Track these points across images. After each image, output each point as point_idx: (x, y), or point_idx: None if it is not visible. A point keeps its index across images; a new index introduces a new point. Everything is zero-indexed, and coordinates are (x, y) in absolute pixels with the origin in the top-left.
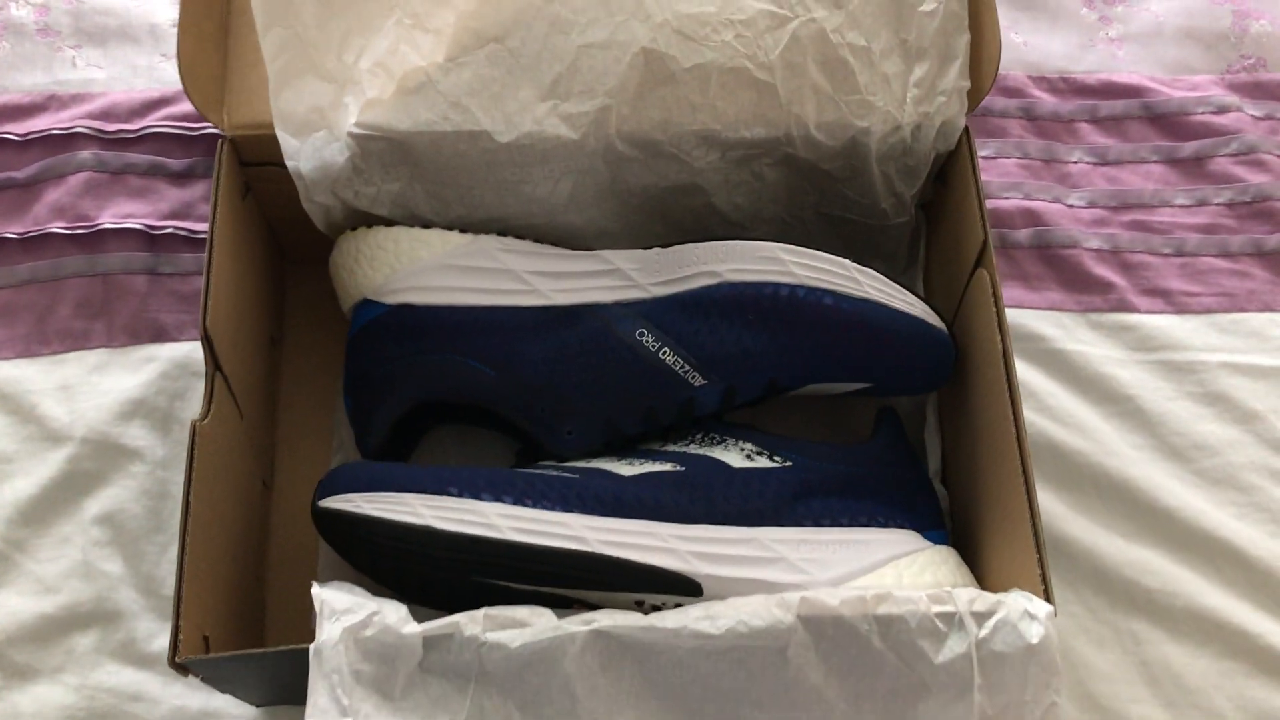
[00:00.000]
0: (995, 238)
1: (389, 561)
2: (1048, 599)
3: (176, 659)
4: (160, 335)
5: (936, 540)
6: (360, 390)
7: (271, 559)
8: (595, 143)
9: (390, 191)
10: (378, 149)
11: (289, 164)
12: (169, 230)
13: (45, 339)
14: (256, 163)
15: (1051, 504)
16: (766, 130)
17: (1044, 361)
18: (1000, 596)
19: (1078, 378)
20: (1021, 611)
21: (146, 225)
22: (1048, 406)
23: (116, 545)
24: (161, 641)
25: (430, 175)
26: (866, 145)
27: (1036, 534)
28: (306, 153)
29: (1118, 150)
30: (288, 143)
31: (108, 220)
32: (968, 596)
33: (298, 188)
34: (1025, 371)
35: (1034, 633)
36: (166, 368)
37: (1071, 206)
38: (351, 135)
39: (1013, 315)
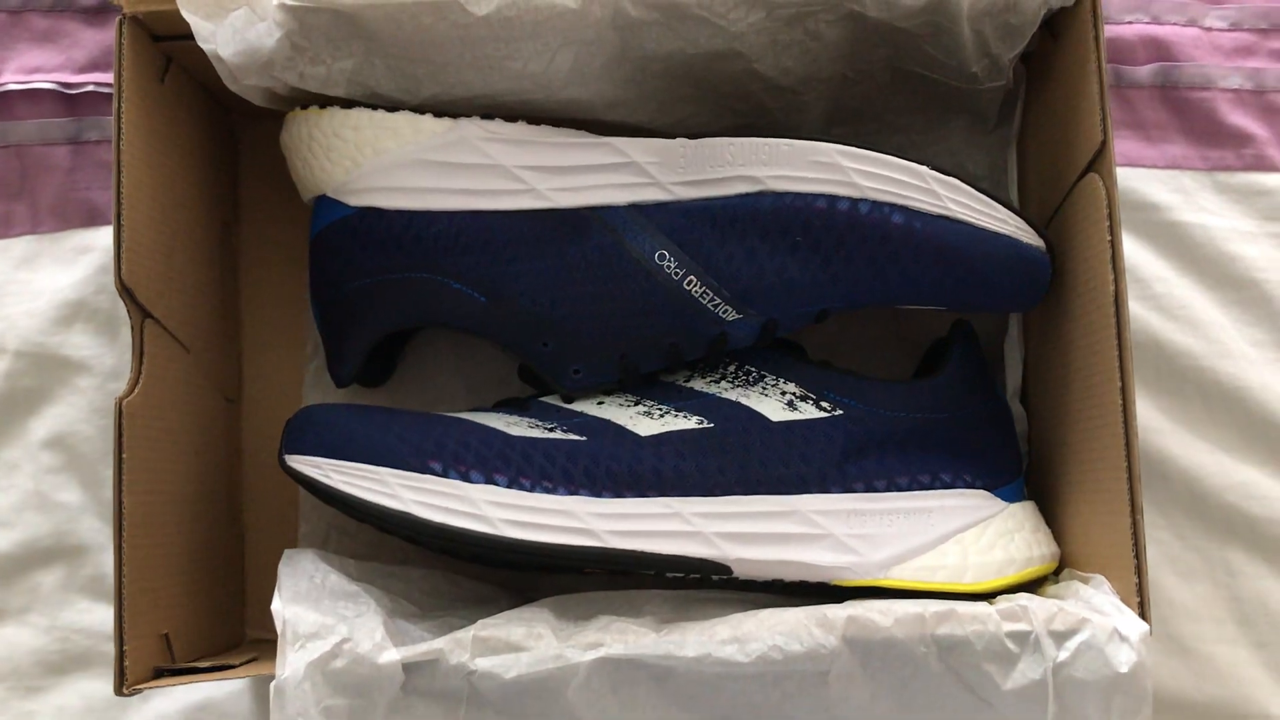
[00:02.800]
0: (1109, 75)
1: (371, 523)
2: (1142, 607)
3: (125, 689)
4: (94, 218)
5: (1011, 497)
6: (327, 308)
7: (248, 476)
8: (600, 9)
9: (344, 69)
10: (320, 23)
11: (204, 48)
12: (89, 88)
13: None
14: (176, 36)
15: (1149, 414)
16: None
17: (1155, 236)
18: (1085, 612)
19: (1194, 256)
20: (1110, 632)
21: (60, 84)
22: (1154, 294)
23: (71, 471)
24: None
25: (391, 50)
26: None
27: (1134, 515)
28: (225, 36)
29: None
30: (199, 25)
31: (12, 78)
32: (1046, 612)
33: (219, 72)
34: (1131, 249)
35: (1123, 659)
36: (104, 259)
37: (1209, 29)
38: (283, 8)
39: (1123, 176)
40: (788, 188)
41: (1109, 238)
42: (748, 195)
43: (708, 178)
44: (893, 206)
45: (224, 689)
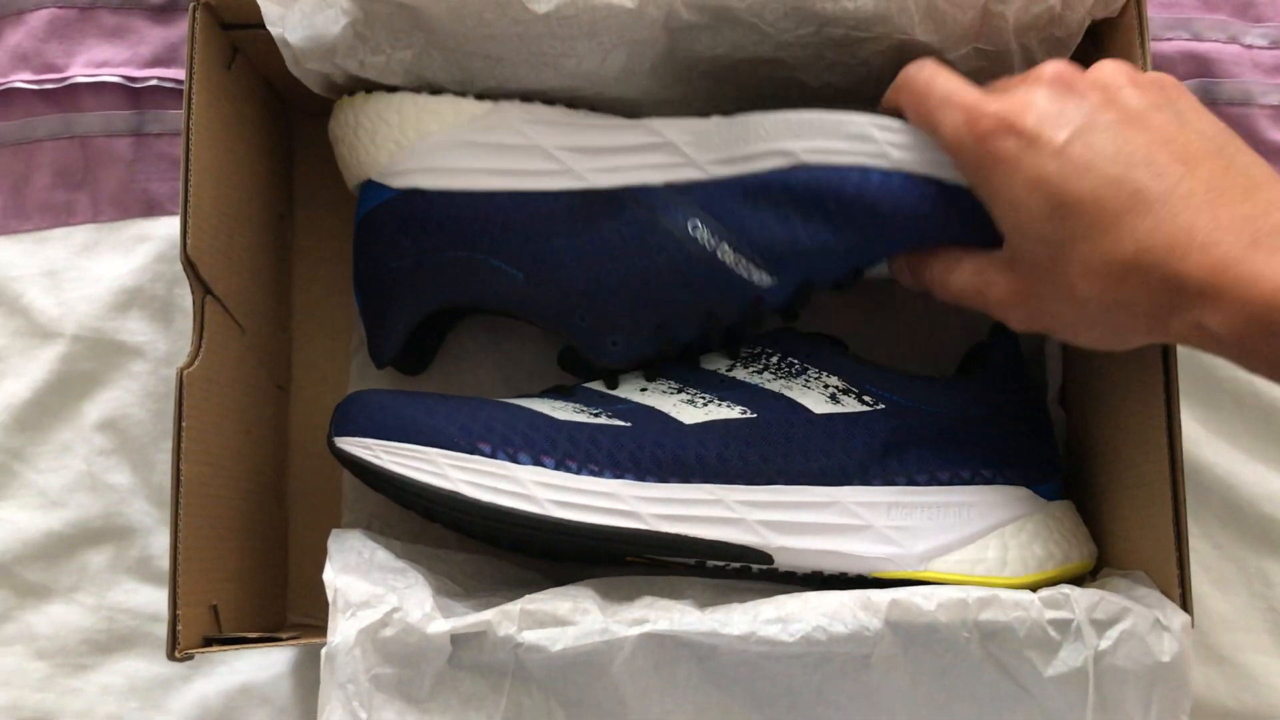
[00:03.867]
0: None
1: (417, 507)
2: (1183, 599)
3: (177, 652)
4: (152, 208)
5: (1050, 495)
6: (369, 290)
7: (293, 464)
8: (655, 10)
9: (402, 60)
10: (384, 13)
11: (272, 31)
12: (153, 83)
13: (24, 213)
14: (243, 25)
15: (1185, 424)
16: (876, 4)
17: None
18: (1127, 601)
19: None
20: (1152, 622)
21: (126, 77)
22: None
23: (122, 454)
24: None
25: (450, 43)
26: (1003, 14)
27: (1177, 506)
28: (294, 21)
29: None
30: (269, 9)
31: (80, 71)
32: (1088, 601)
33: (284, 56)
34: None
35: (1166, 648)
36: (162, 248)
37: (1249, 47)
38: None
39: None
40: (820, 159)
41: None
42: (780, 170)
43: (742, 154)
44: (926, 179)
45: (265, 673)
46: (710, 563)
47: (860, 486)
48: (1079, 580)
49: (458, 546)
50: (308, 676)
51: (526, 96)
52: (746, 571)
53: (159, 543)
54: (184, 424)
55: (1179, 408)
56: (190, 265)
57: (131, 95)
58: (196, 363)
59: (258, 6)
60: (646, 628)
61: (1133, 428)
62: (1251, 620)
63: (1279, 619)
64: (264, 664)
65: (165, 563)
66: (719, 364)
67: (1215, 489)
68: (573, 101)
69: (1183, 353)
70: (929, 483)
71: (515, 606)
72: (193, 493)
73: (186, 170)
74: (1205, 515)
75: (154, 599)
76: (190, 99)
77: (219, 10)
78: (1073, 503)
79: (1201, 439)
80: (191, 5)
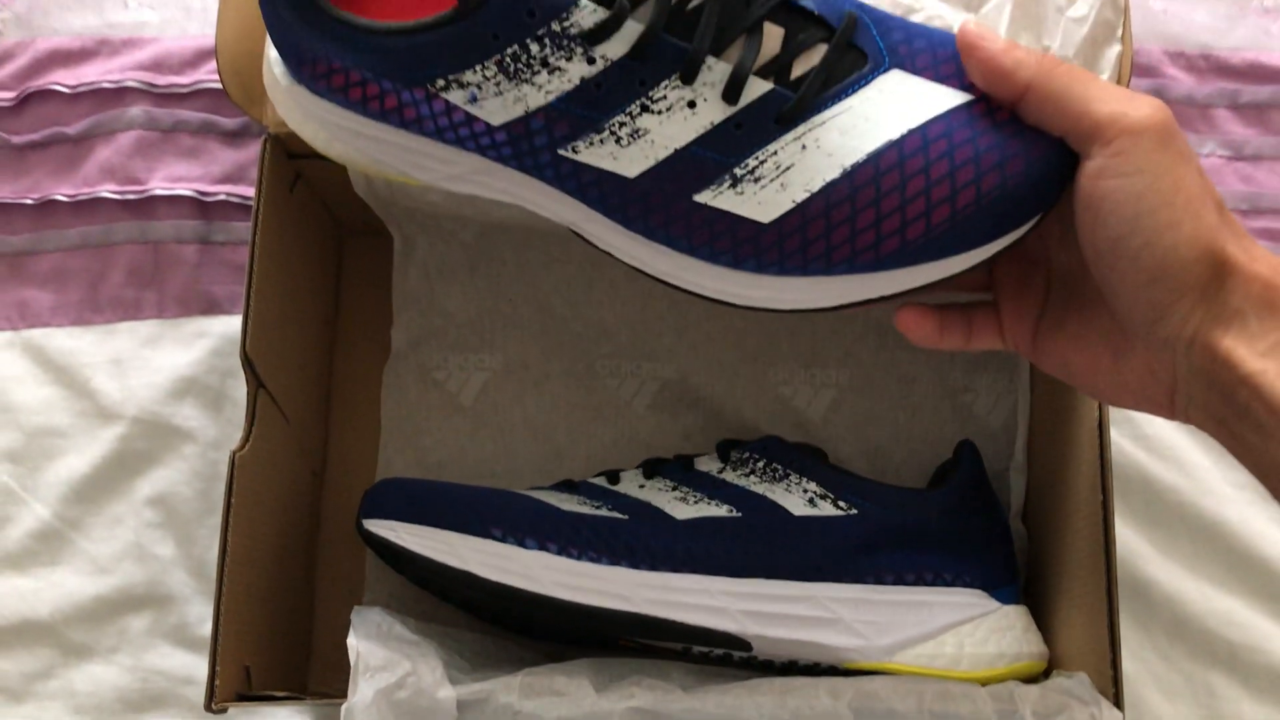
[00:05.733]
0: None
1: (433, 587)
2: (1117, 698)
3: (214, 705)
4: (212, 308)
5: (1006, 599)
6: None
7: (322, 545)
8: None
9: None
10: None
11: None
12: (221, 197)
13: (98, 307)
14: (305, 155)
15: (1137, 543)
16: None
17: None
18: (1067, 696)
19: None
20: (1088, 717)
21: (198, 192)
22: (1144, 435)
23: (168, 527)
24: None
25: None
26: None
27: (1112, 615)
28: None
29: (1257, 144)
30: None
31: (158, 184)
32: (1031, 695)
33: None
34: None
35: None
36: (218, 344)
37: None
38: None
39: None
40: None
41: None
42: None
43: None
44: None
45: None
46: (695, 648)
47: (833, 583)
48: (1031, 679)
49: (467, 627)
50: None
51: None
52: (728, 659)
53: (195, 611)
54: (233, 501)
55: (1114, 527)
56: (248, 361)
57: (202, 208)
58: (247, 448)
59: None
60: (634, 703)
61: (1079, 544)
62: None
63: None
64: (293, 710)
65: (199, 630)
66: (711, 466)
67: (1163, 604)
68: None
69: (1135, 478)
70: (895, 582)
71: (516, 678)
72: (235, 563)
73: (250, 277)
74: (1155, 629)
75: (186, 663)
76: (258, 216)
77: (286, 141)
78: (1027, 608)
79: (1150, 557)
80: (264, 137)
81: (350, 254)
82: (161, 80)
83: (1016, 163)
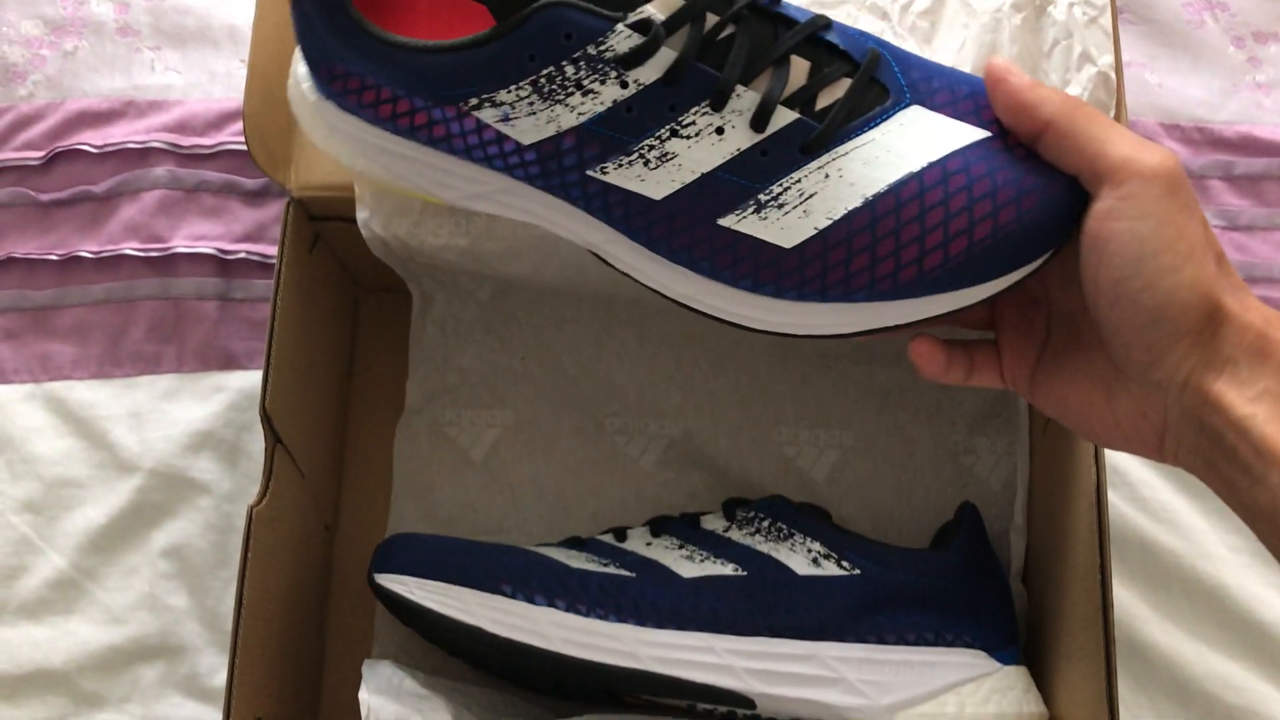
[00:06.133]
0: None
1: (442, 641)
2: None
3: None
4: (229, 363)
5: (1006, 660)
6: None
7: (333, 598)
8: None
9: (458, 245)
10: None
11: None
12: (241, 255)
13: (118, 361)
14: (325, 217)
15: (1136, 605)
16: None
17: None
18: None
19: (1177, 469)
20: None
21: (219, 250)
22: (1141, 497)
23: (182, 579)
24: (222, 676)
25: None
26: None
27: (1110, 677)
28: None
29: (1251, 214)
30: (361, 212)
31: (181, 243)
32: None
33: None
34: (1123, 459)
35: None
36: (235, 398)
37: None
38: None
39: None
40: None
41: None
42: None
43: None
44: None
45: None
46: (700, 705)
47: (836, 642)
48: None
49: (475, 682)
50: None
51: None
52: (732, 716)
53: (206, 662)
54: (249, 553)
55: (1111, 589)
56: (267, 417)
57: (222, 265)
58: (264, 502)
59: (339, 202)
60: None
61: (1078, 605)
62: None
63: None
64: None
65: (211, 680)
66: (717, 525)
67: (1162, 667)
68: None
69: (1134, 541)
70: (897, 642)
71: None
72: (250, 615)
73: (271, 336)
74: (1154, 690)
75: (197, 713)
76: (279, 276)
77: (307, 204)
78: (1027, 668)
79: (1149, 619)
80: (286, 201)
81: (366, 312)
82: (186, 141)
83: (1031, 198)
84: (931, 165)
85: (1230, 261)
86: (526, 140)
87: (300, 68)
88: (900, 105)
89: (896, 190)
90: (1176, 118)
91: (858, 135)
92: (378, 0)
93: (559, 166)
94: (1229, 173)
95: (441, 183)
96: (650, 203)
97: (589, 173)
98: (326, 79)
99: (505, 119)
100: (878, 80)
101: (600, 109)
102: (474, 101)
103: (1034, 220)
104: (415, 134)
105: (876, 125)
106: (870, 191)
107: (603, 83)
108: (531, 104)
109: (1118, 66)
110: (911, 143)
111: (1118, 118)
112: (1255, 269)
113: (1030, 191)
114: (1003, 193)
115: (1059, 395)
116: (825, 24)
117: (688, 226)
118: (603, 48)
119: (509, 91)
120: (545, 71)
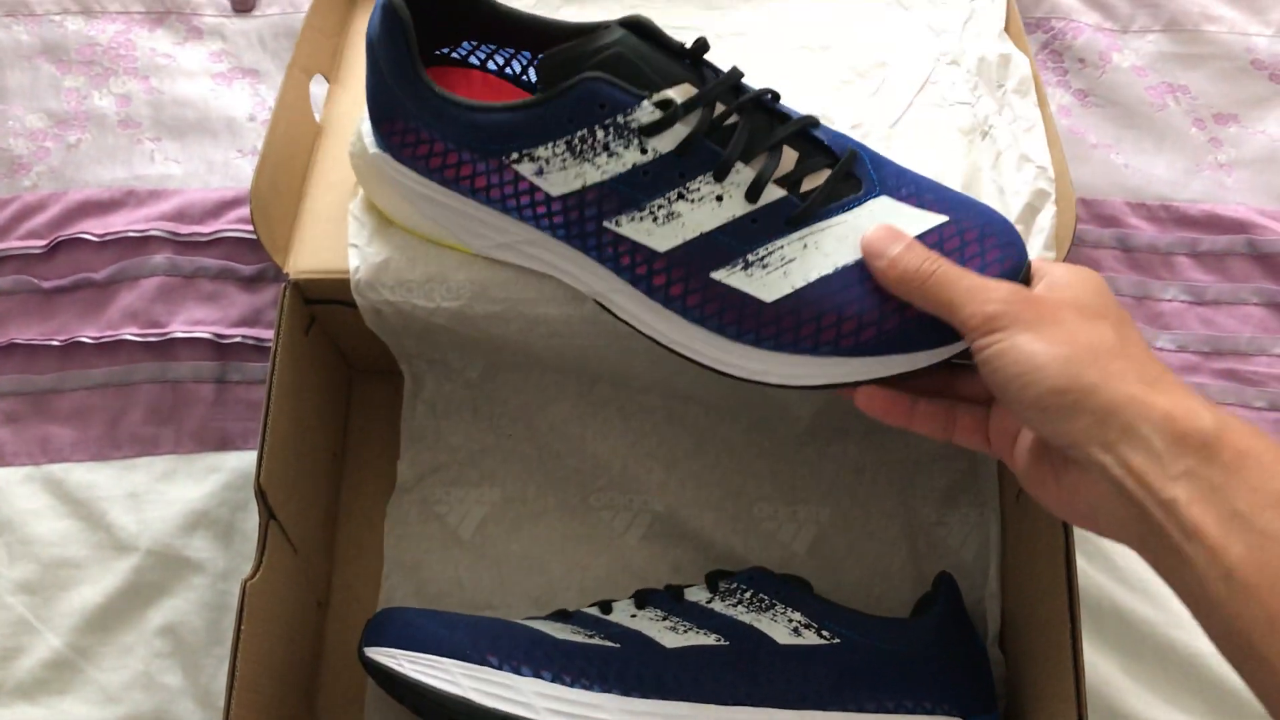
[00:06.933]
0: None
1: (431, 714)
2: None
3: None
4: (225, 444)
5: None
6: None
7: (324, 674)
8: None
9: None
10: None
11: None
12: (237, 339)
13: (117, 443)
14: (320, 300)
15: (1112, 673)
16: None
17: None
18: None
19: None
20: None
21: (216, 334)
22: (1116, 567)
23: (177, 657)
24: None
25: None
26: None
27: None
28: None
29: (1216, 290)
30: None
31: (179, 328)
32: None
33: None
34: None
35: None
36: (230, 478)
37: (1160, 350)
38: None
39: None
40: None
41: None
42: None
43: None
44: None
45: None
46: None
47: (816, 711)
48: None
49: None
50: None
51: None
52: None
53: None
54: (242, 628)
55: (1082, 654)
56: (261, 494)
57: (219, 349)
58: (257, 576)
59: (334, 285)
60: None
61: (1053, 671)
62: None
63: None
64: None
65: None
66: (700, 596)
67: None
68: None
69: (1109, 609)
70: (877, 709)
71: None
72: (243, 689)
73: (266, 414)
74: None
75: None
76: (275, 357)
77: (303, 288)
78: None
79: (1126, 687)
80: (283, 285)
81: (358, 393)
82: (184, 229)
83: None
84: None
85: (1199, 335)
86: (555, 192)
87: (364, 125)
88: (871, 195)
89: (861, 264)
90: (1143, 196)
91: (834, 215)
92: (442, 75)
93: (580, 216)
94: (1194, 249)
95: (474, 231)
96: (654, 253)
97: (605, 224)
98: (388, 132)
99: (540, 173)
100: (853, 173)
101: (622, 169)
102: (515, 155)
103: None
104: (458, 184)
105: (850, 209)
106: (840, 263)
107: (626, 147)
108: (564, 160)
109: (1058, 162)
110: (878, 225)
111: (1059, 202)
112: (1221, 343)
113: (976, 272)
114: None
115: (1026, 470)
116: (814, 123)
117: (684, 277)
118: (630, 118)
119: (546, 148)
120: (580, 133)
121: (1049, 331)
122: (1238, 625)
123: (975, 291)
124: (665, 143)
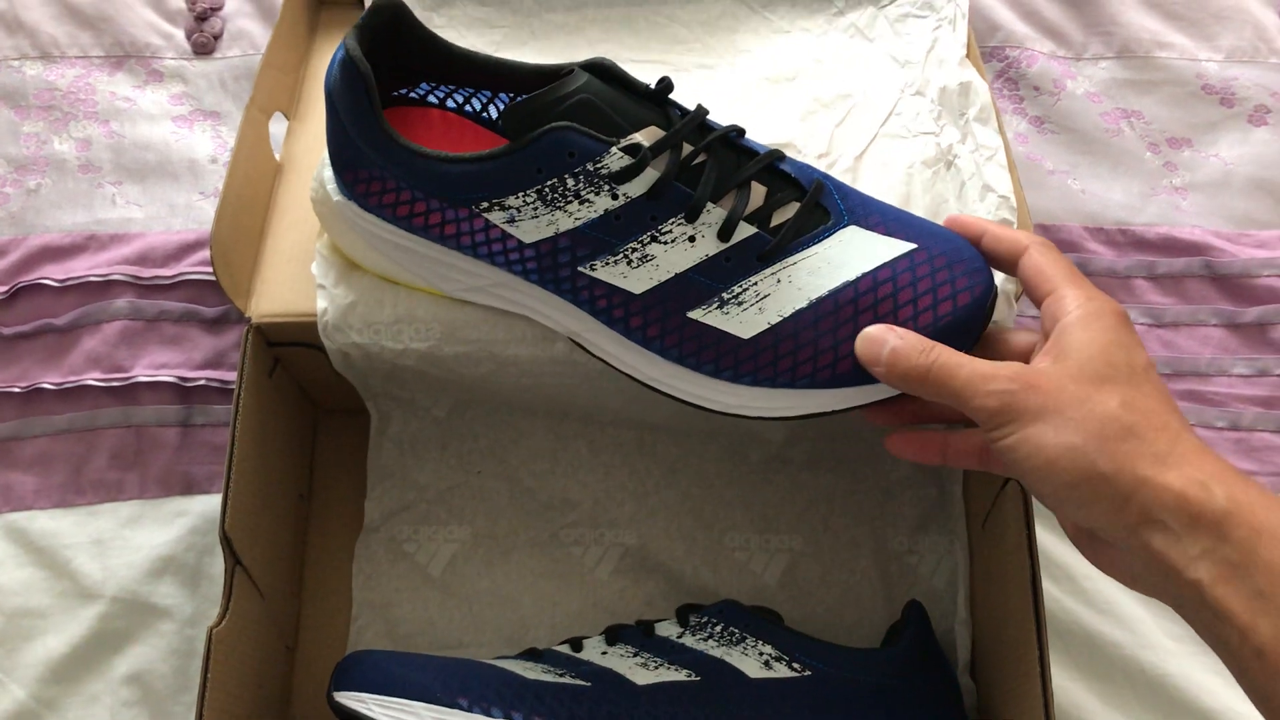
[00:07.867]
0: None
1: None
2: None
3: None
4: (190, 487)
5: None
6: None
7: (293, 718)
8: None
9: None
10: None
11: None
12: (201, 382)
13: (80, 489)
14: (284, 343)
15: (1083, 697)
16: None
17: None
18: None
19: None
20: None
21: (179, 378)
22: (1083, 590)
23: (143, 705)
24: None
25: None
26: None
27: None
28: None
29: (1175, 312)
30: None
31: (142, 372)
32: None
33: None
34: (1063, 552)
35: None
36: (196, 522)
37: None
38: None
39: None
40: None
41: (1026, 533)
42: None
43: None
44: None
45: None
46: None
47: None
48: None
49: None
50: None
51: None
52: None
53: None
54: (209, 675)
55: (1050, 679)
56: (226, 540)
57: (183, 392)
58: (224, 623)
59: (297, 328)
60: None
61: (1022, 696)
62: None
63: None
64: None
65: None
66: (671, 631)
67: None
68: None
69: (1078, 633)
70: None
71: None
72: None
73: (230, 459)
74: None
75: None
76: (238, 401)
77: (266, 331)
78: None
79: (1096, 710)
80: (246, 328)
81: (324, 434)
82: (146, 273)
83: (946, 305)
84: (864, 275)
85: (1160, 357)
86: (528, 239)
87: (326, 171)
88: (839, 225)
89: (835, 295)
90: (1100, 221)
91: (805, 249)
92: (401, 116)
93: (554, 263)
94: (1152, 272)
95: (445, 276)
96: (630, 296)
97: (580, 269)
98: (351, 181)
99: (511, 220)
100: (821, 204)
101: (594, 215)
102: (485, 205)
103: (948, 324)
104: (428, 231)
105: (820, 241)
106: (814, 295)
107: (597, 194)
108: (535, 209)
109: (1016, 189)
110: (848, 255)
111: (1020, 226)
112: (1182, 364)
113: (945, 300)
114: (923, 300)
115: (1073, 533)
116: (780, 156)
117: (661, 318)
118: (599, 165)
119: (517, 197)
120: (550, 182)
121: (1055, 421)
122: (1275, 704)
123: (975, 383)
124: (636, 187)
